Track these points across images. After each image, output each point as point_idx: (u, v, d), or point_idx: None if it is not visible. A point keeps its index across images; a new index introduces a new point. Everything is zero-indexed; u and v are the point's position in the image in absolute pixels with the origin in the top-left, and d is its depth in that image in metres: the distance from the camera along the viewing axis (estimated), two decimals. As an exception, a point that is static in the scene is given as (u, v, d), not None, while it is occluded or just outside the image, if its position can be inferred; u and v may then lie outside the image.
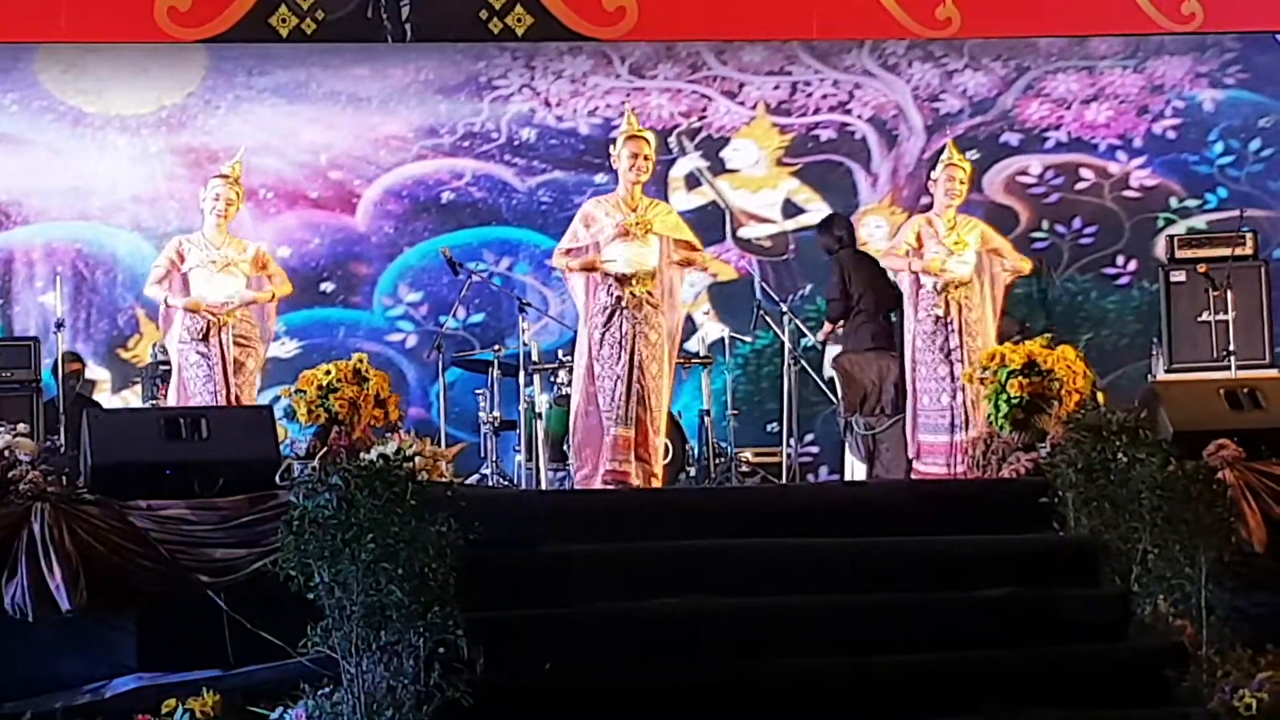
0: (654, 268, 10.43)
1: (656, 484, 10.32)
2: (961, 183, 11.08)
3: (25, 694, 7.82)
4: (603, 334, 10.35)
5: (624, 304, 10.34)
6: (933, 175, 11.32)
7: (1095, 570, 8.48)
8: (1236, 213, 13.29)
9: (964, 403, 10.74)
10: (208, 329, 10.51)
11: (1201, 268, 12.29)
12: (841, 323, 12.58)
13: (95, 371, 13.64)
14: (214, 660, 7.86)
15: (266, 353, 10.91)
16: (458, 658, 7.33)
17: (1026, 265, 11.40)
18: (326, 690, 7.34)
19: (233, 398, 10.43)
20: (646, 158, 10.55)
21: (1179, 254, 12.74)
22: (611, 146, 10.76)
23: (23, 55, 13.63)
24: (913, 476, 10.88)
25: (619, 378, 10.28)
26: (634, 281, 10.37)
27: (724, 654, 7.95)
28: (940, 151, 11.41)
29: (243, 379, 10.55)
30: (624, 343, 10.31)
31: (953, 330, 10.85)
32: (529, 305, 12.34)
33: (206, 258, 10.59)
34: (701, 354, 13.02)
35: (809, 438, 13.67)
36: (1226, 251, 12.51)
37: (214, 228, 10.69)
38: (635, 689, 7.72)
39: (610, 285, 10.36)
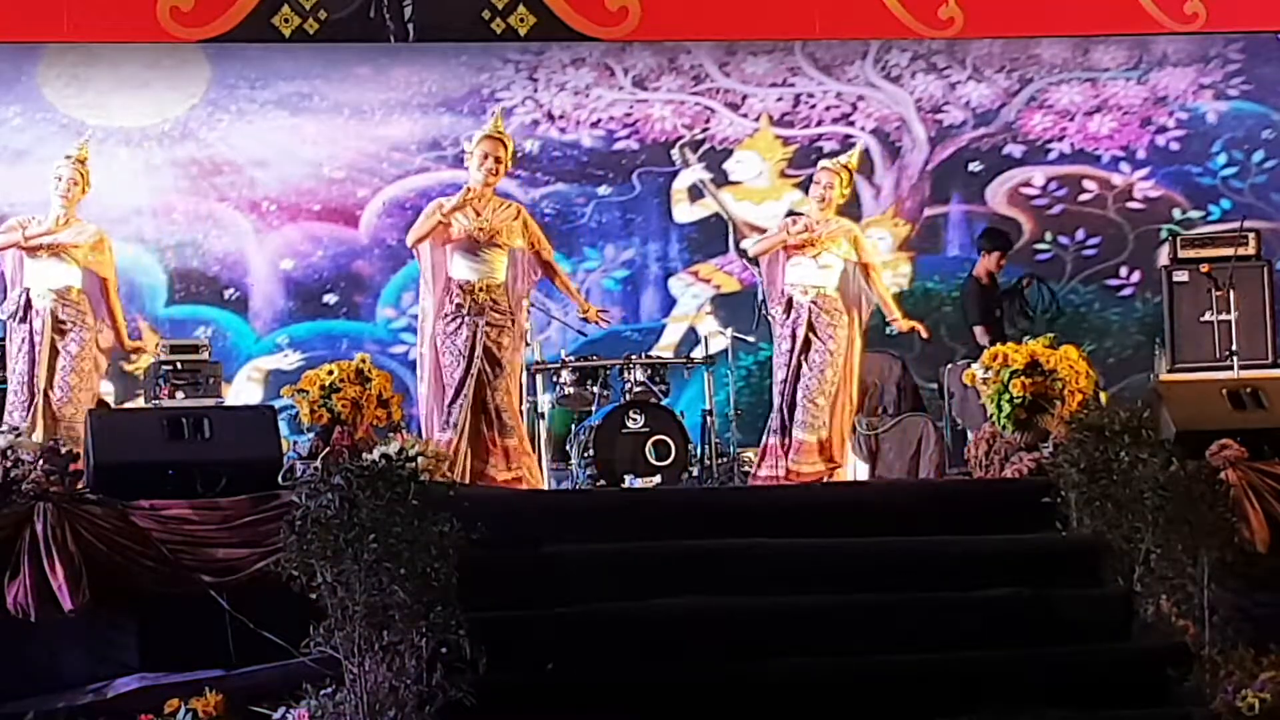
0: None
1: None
2: (828, 187, 10.88)
3: (28, 694, 7.82)
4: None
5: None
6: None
7: (1098, 570, 8.50)
8: (1238, 224, 13.27)
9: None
10: (28, 309, 10.43)
11: (1204, 267, 12.31)
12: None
13: (97, 384, 13.64)
14: (216, 660, 7.87)
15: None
16: (460, 658, 7.35)
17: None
18: (329, 690, 7.36)
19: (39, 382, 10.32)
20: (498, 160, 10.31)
21: (1182, 254, 12.76)
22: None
23: (25, 67, 13.62)
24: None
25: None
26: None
27: (724, 654, 7.95)
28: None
29: (63, 362, 10.42)
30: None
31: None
32: (532, 305, 12.34)
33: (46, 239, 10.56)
34: (704, 355, 13.03)
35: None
36: (1229, 251, 12.52)
37: (59, 209, 10.61)
38: (636, 689, 7.73)
39: None
